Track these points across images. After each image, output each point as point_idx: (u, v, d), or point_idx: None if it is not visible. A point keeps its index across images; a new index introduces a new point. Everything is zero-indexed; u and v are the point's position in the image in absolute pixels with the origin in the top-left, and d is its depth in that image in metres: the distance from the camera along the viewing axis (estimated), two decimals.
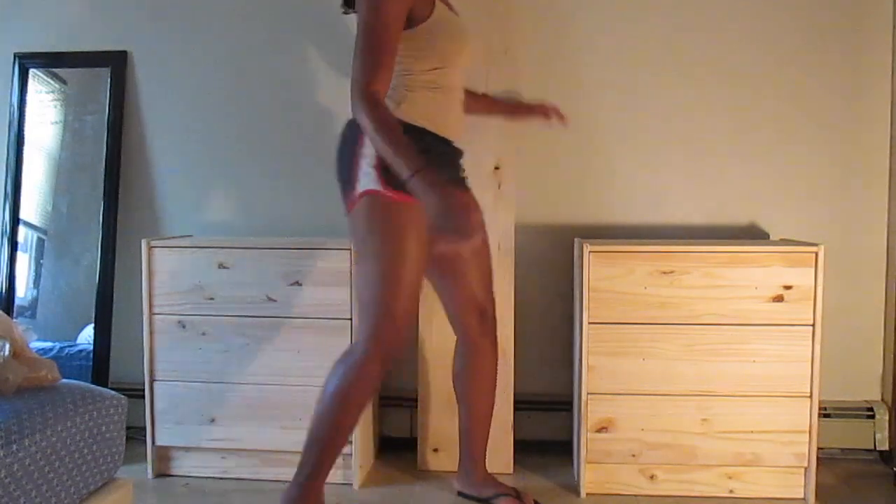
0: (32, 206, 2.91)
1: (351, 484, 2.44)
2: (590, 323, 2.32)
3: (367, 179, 1.94)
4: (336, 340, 2.33)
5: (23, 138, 2.89)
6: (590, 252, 2.31)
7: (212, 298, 2.45)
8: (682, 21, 2.68)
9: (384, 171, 1.91)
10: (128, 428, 1.88)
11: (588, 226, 2.73)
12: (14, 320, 2.33)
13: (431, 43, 1.97)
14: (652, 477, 2.38)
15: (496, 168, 2.59)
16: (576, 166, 2.74)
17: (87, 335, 2.82)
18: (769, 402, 2.30)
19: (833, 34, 2.64)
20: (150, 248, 2.48)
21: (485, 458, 2.36)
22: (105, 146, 2.83)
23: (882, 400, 2.67)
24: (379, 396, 2.73)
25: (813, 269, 2.26)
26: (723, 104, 2.68)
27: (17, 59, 2.91)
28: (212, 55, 2.83)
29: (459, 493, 2.38)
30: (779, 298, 2.28)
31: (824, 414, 2.58)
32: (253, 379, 2.44)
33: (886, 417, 2.63)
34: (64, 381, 1.80)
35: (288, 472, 2.05)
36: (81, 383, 1.85)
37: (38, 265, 2.92)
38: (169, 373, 2.49)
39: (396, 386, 2.77)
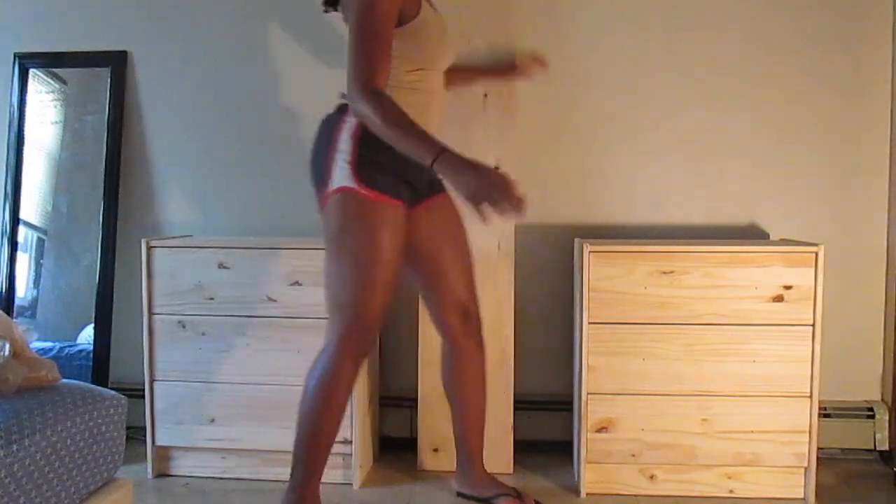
0: (32, 206, 2.91)
1: (351, 484, 2.44)
2: (590, 323, 2.32)
3: (341, 176, 1.93)
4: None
5: (23, 138, 2.89)
6: (590, 252, 2.31)
7: (212, 298, 2.45)
8: (682, 21, 2.68)
9: (359, 168, 1.91)
10: (128, 428, 1.88)
11: (588, 226, 2.73)
12: (14, 320, 2.33)
13: (417, 43, 1.96)
14: (652, 477, 2.38)
15: (496, 168, 2.58)
16: (576, 166, 2.74)
17: (87, 335, 2.82)
18: (769, 402, 2.30)
19: (833, 34, 2.64)
20: (150, 248, 2.48)
21: (482, 458, 2.35)
22: (105, 146, 2.83)
23: (882, 400, 2.67)
24: (379, 396, 2.73)
25: (813, 269, 2.26)
26: (723, 104, 2.68)
27: (17, 59, 2.91)
28: (212, 55, 2.83)
29: (459, 494, 2.37)
30: (779, 298, 2.28)
31: (824, 414, 2.58)
32: (253, 379, 2.44)
33: (886, 417, 2.63)
34: (64, 381, 1.80)
35: (288, 472, 2.06)
36: (81, 383, 1.85)
37: (38, 265, 2.92)
38: (169, 373, 2.49)
39: (396, 386, 2.78)
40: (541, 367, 2.75)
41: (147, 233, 2.81)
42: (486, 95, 2.60)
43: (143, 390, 2.51)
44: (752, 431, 2.30)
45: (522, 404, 2.66)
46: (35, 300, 2.91)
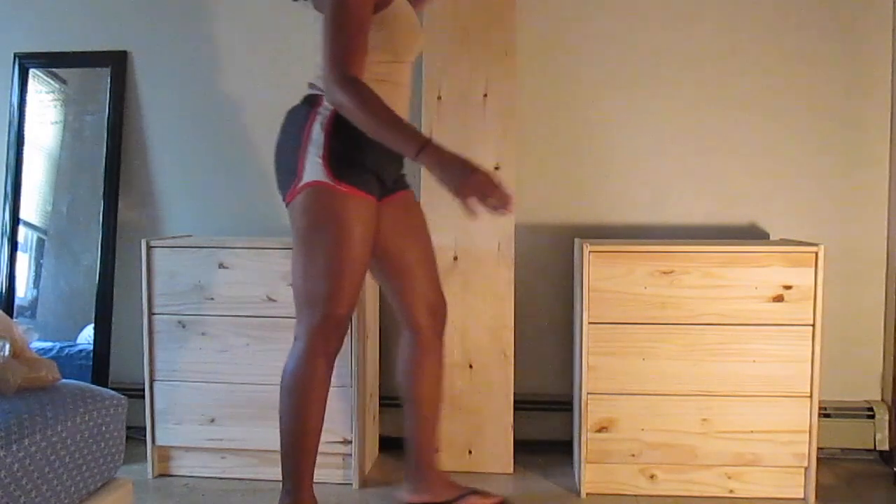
0: (32, 206, 2.91)
1: (351, 484, 2.44)
2: (590, 323, 2.32)
3: (313, 170, 1.89)
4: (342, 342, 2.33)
5: (23, 138, 2.89)
6: (590, 252, 2.31)
7: (212, 298, 2.45)
8: (682, 22, 2.68)
9: (332, 162, 1.88)
10: (128, 428, 1.88)
11: (588, 226, 2.73)
12: (14, 320, 2.33)
13: (388, 34, 1.92)
14: (652, 477, 2.38)
15: (496, 168, 2.60)
16: (576, 166, 2.74)
17: (87, 335, 2.82)
18: (769, 402, 2.30)
19: (833, 34, 2.64)
20: (150, 247, 2.48)
21: (436, 460, 2.27)
22: (105, 146, 2.83)
23: (882, 400, 2.67)
24: (379, 396, 2.73)
25: (813, 269, 2.26)
26: (723, 104, 2.68)
27: (17, 59, 2.91)
28: (212, 55, 2.83)
29: None
30: (779, 298, 2.28)
31: (824, 414, 2.58)
32: (253, 379, 2.44)
33: (886, 417, 2.63)
34: (64, 381, 1.80)
35: None
36: (81, 383, 1.85)
37: (38, 265, 2.92)
38: (169, 373, 2.49)
39: (396, 386, 2.77)
40: (541, 367, 2.75)
41: (147, 233, 2.82)
42: (485, 95, 2.60)
43: (143, 390, 2.51)
44: (752, 431, 2.30)
45: (522, 404, 2.65)
46: (35, 300, 2.91)
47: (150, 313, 2.48)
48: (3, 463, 1.48)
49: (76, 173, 2.93)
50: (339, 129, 1.89)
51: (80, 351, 2.80)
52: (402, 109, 2.04)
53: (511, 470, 2.55)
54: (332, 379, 2.02)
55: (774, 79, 2.66)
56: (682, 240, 2.64)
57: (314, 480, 2.04)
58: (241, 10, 2.80)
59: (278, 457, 2.28)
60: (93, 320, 2.80)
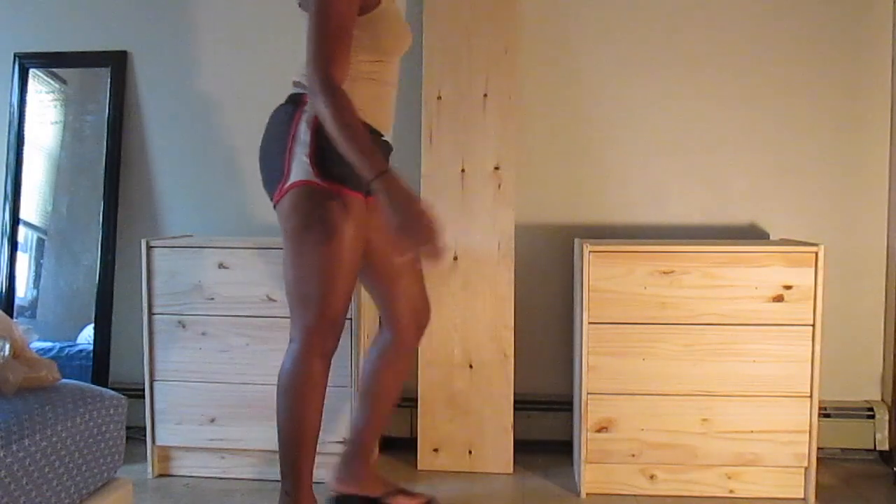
0: (32, 206, 2.91)
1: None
2: (590, 323, 2.32)
3: (301, 170, 1.88)
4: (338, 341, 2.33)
5: (23, 138, 2.89)
6: (590, 252, 2.31)
7: (212, 298, 2.45)
8: (681, 22, 2.68)
9: (319, 160, 1.87)
10: (128, 428, 1.88)
11: (588, 226, 2.73)
12: (14, 320, 2.33)
13: (376, 34, 1.93)
14: (652, 477, 2.38)
15: (496, 168, 2.60)
16: (576, 166, 2.74)
17: (87, 335, 2.82)
18: (769, 402, 2.30)
19: (833, 34, 2.64)
20: (150, 247, 2.48)
21: (374, 455, 2.27)
22: (105, 146, 2.83)
23: (882, 400, 2.67)
24: None
25: (813, 269, 2.26)
26: (723, 104, 2.69)
27: (17, 59, 2.91)
28: (212, 55, 2.83)
29: (338, 496, 2.22)
30: (779, 298, 2.28)
31: (824, 414, 2.58)
32: (253, 379, 2.44)
33: (886, 417, 2.63)
34: (64, 381, 1.80)
35: None
36: (81, 383, 1.85)
37: (38, 265, 2.92)
38: (169, 373, 2.49)
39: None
40: (541, 367, 2.75)
41: (147, 233, 2.82)
42: (485, 96, 2.60)
43: (143, 390, 2.51)
44: (752, 431, 2.30)
45: (522, 404, 2.66)
46: (35, 300, 2.91)
47: (150, 313, 2.48)
48: (3, 463, 1.48)
49: (76, 173, 2.93)
50: (325, 128, 1.89)
51: (80, 351, 2.80)
52: (389, 107, 2.05)
53: (511, 470, 2.55)
54: (332, 379, 2.01)
55: (775, 79, 2.66)
56: (682, 240, 2.64)
57: (314, 480, 2.04)
58: (242, 11, 2.80)
59: (278, 457, 2.28)
60: (93, 320, 2.80)
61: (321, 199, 1.89)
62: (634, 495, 2.38)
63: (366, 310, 2.48)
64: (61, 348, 2.80)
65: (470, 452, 2.57)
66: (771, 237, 2.69)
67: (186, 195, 2.88)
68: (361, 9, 1.87)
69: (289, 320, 2.04)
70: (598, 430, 2.34)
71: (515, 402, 2.58)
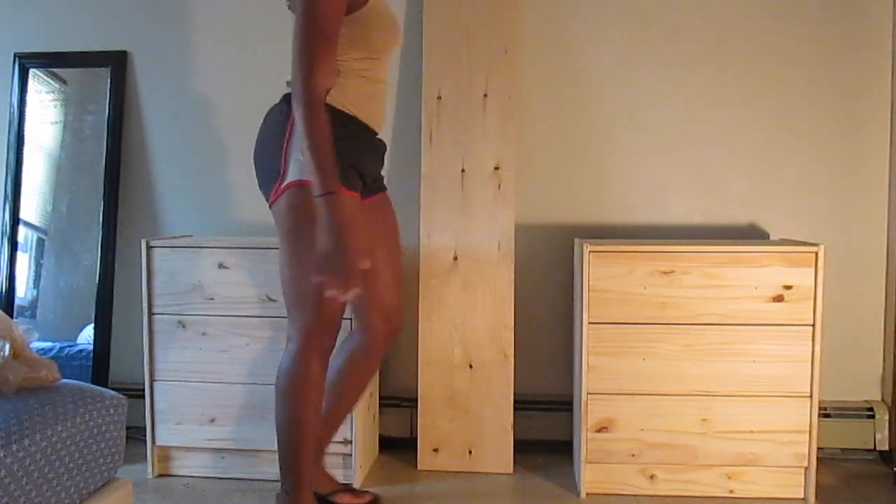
0: (32, 206, 2.91)
1: (351, 484, 2.44)
2: (590, 323, 2.32)
3: (296, 170, 1.89)
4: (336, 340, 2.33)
5: (23, 138, 2.89)
6: (590, 252, 2.31)
7: (212, 298, 2.45)
8: (682, 22, 2.68)
9: None
10: (128, 428, 1.88)
11: (588, 226, 2.73)
12: (14, 320, 2.33)
13: (365, 33, 1.93)
14: (652, 477, 2.38)
15: (496, 168, 2.60)
16: (576, 166, 2.74)
17: (87, 335, 2.82)
18: (769, 402, 2.30)
19: (833, 34, 2.64)
20: (150, 247, 2.48)
21: (324, 453, 2.25)
22: (105, 146, 2.83)
23: (882, 400, 2.67)
24: (379, 396, 2.73)
25: (813, 269, 2.26)
26: (723, 104, 2.69)
27: (17, 59, 2.91)
28: (212, 55, 2.83)
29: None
30: (779, 298, 2.28)
31: (824, 414, 2.58)
32: (253, 379, 2.44)
33: (886, 417, 2.63)
34: (64, 381, 1.80)
35: None
36: (81, 383, 1.85)
37: (38, 265, 2.92)
38: (169, 373, 2.48)
39: (396, 386, 2.78)
40: (541, 367, 2.75)
41: (147, 233, 2.82)
42: (485, 96, 2.60)
43: (143, 390, 2.51)
44: (752, 431, 2.30)
45: (522, 404, 2.65)
46: (35, 300, 2.91)
47: (150, 313, 2.48)
48: (3, 463, 1.48)
49: (76, 173, 2.93)
50: None
51: (80, 351, 2.80)
52: (382, 104, 2.06)
53: (511, 470, 2.55)
54: None
55: (775, 79, 2.66)
56: (682, 240, 2.64)
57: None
58: (242, 11, 2.80)
59: (277, 457, 2.28)
60: (93, 320, 2.80)
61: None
62: (634, 495, 2.38)
63: None
64: (61, 348, 2.80)
65: (470, 452, 2.57)
66: (771, 237, 2.69)
67: (186, 195, 2.88)
68: (349, 8, 1.88)
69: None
70: (598, 430, 2.34)
71: (515, 402, 2.58)
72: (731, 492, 2.36)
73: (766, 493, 2.35)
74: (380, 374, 2.73)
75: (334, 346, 2.01)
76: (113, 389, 1.91)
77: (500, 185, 2.59)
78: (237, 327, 2.45)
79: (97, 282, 2.80)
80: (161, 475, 2.54)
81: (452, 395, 2.57)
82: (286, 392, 1.98)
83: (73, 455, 1.66)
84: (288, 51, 2.78)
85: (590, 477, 2.38)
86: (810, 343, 2.27)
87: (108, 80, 2.85)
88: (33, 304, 2.91)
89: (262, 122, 2.02)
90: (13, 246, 2.88)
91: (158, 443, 2.52)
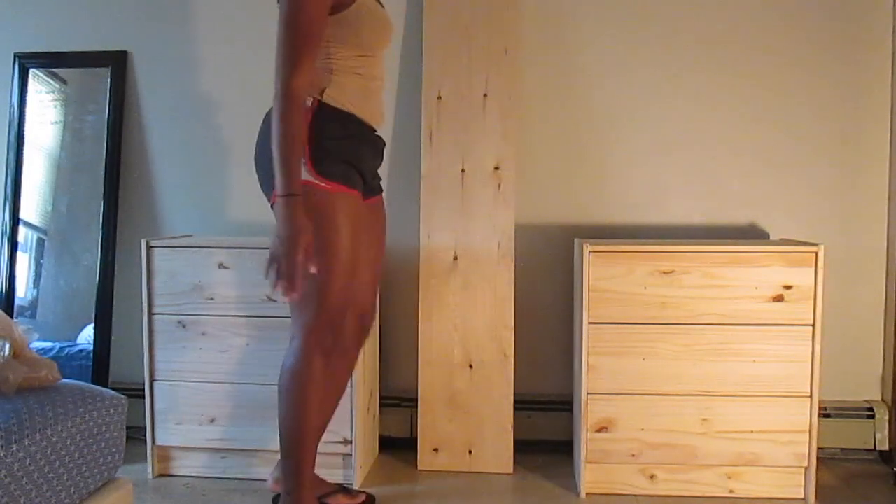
0: (32, 206, 2.91)
1: (351, 484, 2.44)
2: (590, 323, 2.32)
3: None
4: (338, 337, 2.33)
5: (23, 138, 2.89)
6: (590, 252, 2.31)
7: (212, 298, 2.45)
8: (681, 22, 2.68)
9: (315, 160, 1.89)
10: (128, 428, 1.88)
11: (588, 226, 2.73)
12: (14, 320, 2.33)
13: (355, 31, 1.93)
14: (652, 477, 2.38)
15: (496, 168, 2.60)
16: (576, 166, 2.74)
17: (87, 335, 2.82)
18: (769, 402, 2.30)
19: (833, 34, 2.64)
20: (150, 247, 2.48)
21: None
22: (105, 146, 2.83)
23: (882, 400, 2.67)
24: (379, 396, 2.73)
25: (813, 269, 2.26)
26: (723, 104, 2.69)
27: (17, 59, 2.91)
28: (212, 55, 2.83)
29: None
30: (779, 298, 2.28)
31: (824, 414, 2.58)
32: (253, 379, 2.44)
33: (886, 417, 2.63)
34: (64, 381, 1.80)
35: None
36: (81, 383, 1.85)
37: (38, 265, 2.92)
38: (169, 373, 2.48)
39: (396, 386, 2.78)
40: (541, 367, 2.75)
41: (147, 233, 2.82)
42: (485, 96, 2.60)
43: (143, 390, 2.51)
44: (752, 431, 2.30)
45: (522, 404, 2.65)
46: (35, 300, 2.91)
47: (150, 313, 2.48)
48: (3, 463, 1.48)
49: (76, 173, 2.93)
50: (319, 126, 1.90)
51: (80, 351, 2.80)
52: (378, 101, 2.06)
53: (511, 470, 2.55)
54: None
55: (775, 79, 2.66)
56: (682, 240, 2.64)
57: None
58: (242, 11, 2.80)
59: (278, 457, 2.28)
60: (93, 320, 2.80)
61: (317, 198, 1.90)
62: (634, 495, 2.38)
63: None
64: (61, 348, 2.80)
65: (470, 452, 2.57)
66: (771, 237, 2.69)
67: (186, 195, 2.88)
68: (336, 7, 1.88)
69: (288, 320, 2.05)
70: (598, 430, 2.34)
71: (515, 402, 2.58)
72: (731, 492, 2.36)
73: (766, 493, 2.35)
74: (380, 374, 2.73)
75: (338, 343, 2.01)
76: (113, 389, 1.91)
77: (500, 185, 2.60)
78: (237, 327, 2.45)
79: (97, 282, 2.80)
80: (161, 475, 2.54)
81: (452, 395, 2.57)
82: (289, 390, 1.98)
83: (73, 455, 1.66)
84: None
85: (590, 477, 2.38)
86: (810, 343, 2.27)
87: (108, 80, 2.85)
88: (33, 304, 2.91)
89: (262, 122, 2.02)
90: (13, 246, 2.88)
91: (158, 443, 2.52)
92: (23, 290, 2.90)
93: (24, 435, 1.54)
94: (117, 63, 2.85)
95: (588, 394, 2.34)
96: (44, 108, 2.92)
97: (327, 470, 2.38)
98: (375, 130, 2.06)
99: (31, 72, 2.91)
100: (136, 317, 2.57)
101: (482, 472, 2.56)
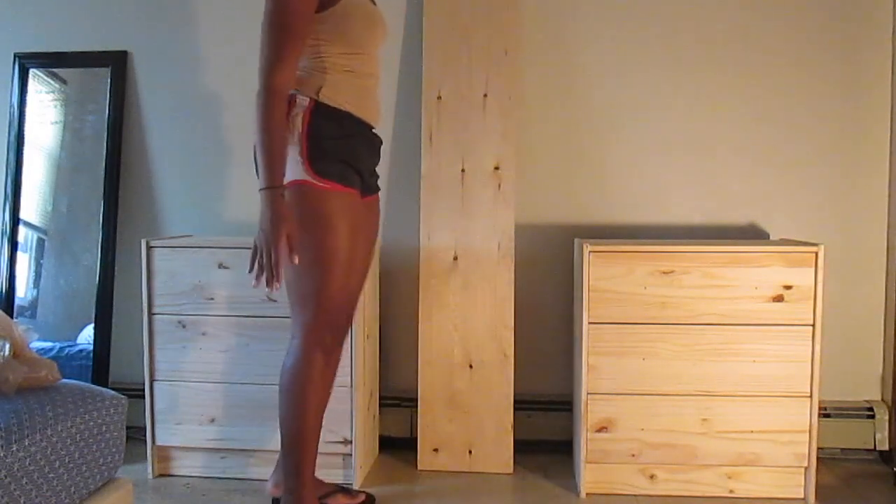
0: (32, 206, 2.91)
1: (351, 484, 2.44)
2: (590, 323, 2.32)
3: (295, 169, 1.90)
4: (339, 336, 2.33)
5: (23, 138, 2.90)
6: (590, 252, 2.31)
7: (212, 298, 2.45)
8: (681, 22, 2.68)
9: (312, 160, 1.89)
10: (128, 428, 1.88)
11: (588, 226, 2.73)
12: (14, 320, 2.33)
13: (343, 28, 1.93)
14: (652, 477, 2.38)
15: (496, 168, 2.60)
16: (576, 166, 2.74)
17: (87, 335, 2.82)
18: (769, 402, 2.30)
19: (833, 34, 2.64)
20: (150, 248, 2.48)
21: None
22: (105, 146, 2.83)
23: (882, 400, 2.67)
24: (379, 396, 2.73)
25: (813, 269, 2.26)
26: (723, 104, 2.69)
27: (17, 59, 2.91)
28: (212, 55, 2.83)
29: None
30: (779, 298, 2.28)
31: (824, 414, 2.58)
32: (253, 379, 2.44)
33: (886, 417, 2.63)
34: (64, 381, 1.80)
35: None
36: (81, 383, 1.85)
37: (38, 265, 2.92)
38: (169, 373, 2.49)
39: (396, 386, 2.78)
40: (541, 367, 2.75)
41: (147, 233, 2.82)
42: (485, 95, 2.60)
43: (143, 390, 2.51)
44: (752, 431, 2.30)
45: (522, 404, 2.66)
46: (35, 300, 2.91)
47: (150, 313, 2.48)
48: (3, 463, 1.48)
49: (76, 173, 2.93)
50: (316, 126, 1.90)
51: (80, 351, 2.80)
52: (374, 98, 2.05)
53: (511, 470, 2.55)
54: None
55: (775, 79, 2.66)
56: (682, 240, 2.64)
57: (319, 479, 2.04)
58: (242, 10, 2.80)
59: (278, 457, 2.28)
60: (93, 320, 2.80)
61: (315, 198, 1.91)
62: (634, 495, 2.38)
63: (368, 310, 2.48)
64: (61, 348, 2.80)
65: (470, 452, 2.57)
66: (771, 237, 2.69)
67: (186, 195, 2.88)
68: (322, 4, 1.88)
69: (288, 320, 2.05)
70: (598, 430, 2.34)
71: (515, 402, 2.58)
72: (731, 492, 2.36)
73: (766, 493, 2.35)
74: (380, 374, 2.73)
75: (338, 341, 2.01)
76: (113, 389, 1.91)
77: (500, 185, 2.60)
78: (237, 327, 2.45)
79: (97, 282, 2.80)
80: (161, 475, 2.54)
81: (452, 394, 2.57)
82: (289, 390, 1.98)
83: (73, 455, 1.66)
84: None
85: (590, 477, 2.38)
86: (810, 343, 2.27)
87: (108, 80, 2.85)
88: (33, 304, 2.91)
89: None
90: (13, 246, 2.88)
91: (158, 443, 2.52)
92: (23, 290, 2.90)
93: (24, 435, 1.54)
94: (117, 63, 2.85)
95: (588, 394, 2.34)
96: (44, 108, 2.92)
97: (327, 470, 2.38)
98: (373, 128, 2.06)
99: (31, 72, 2.91)
100: (136, 317, 2.57)
101: (482, 472, 2.56)
